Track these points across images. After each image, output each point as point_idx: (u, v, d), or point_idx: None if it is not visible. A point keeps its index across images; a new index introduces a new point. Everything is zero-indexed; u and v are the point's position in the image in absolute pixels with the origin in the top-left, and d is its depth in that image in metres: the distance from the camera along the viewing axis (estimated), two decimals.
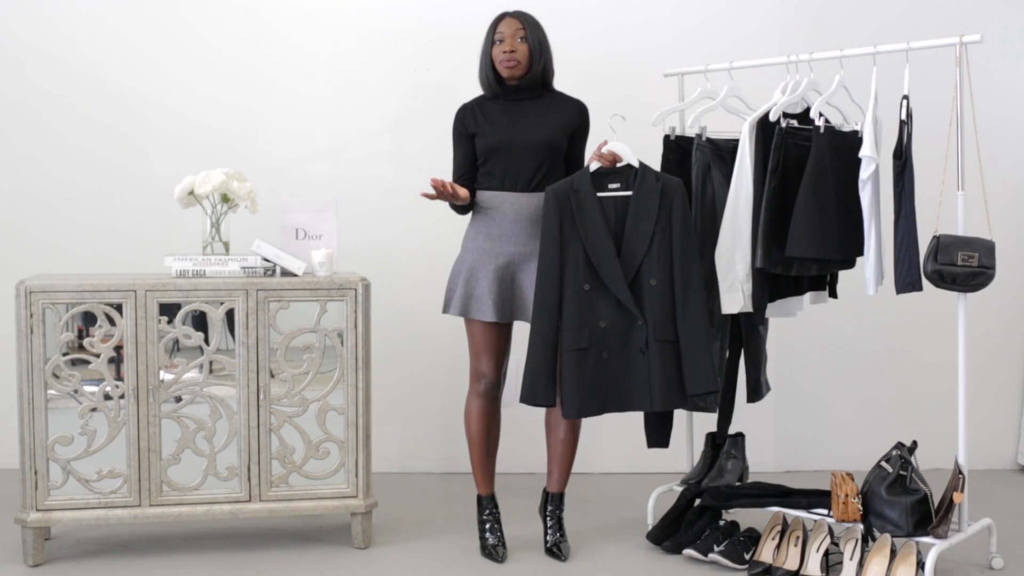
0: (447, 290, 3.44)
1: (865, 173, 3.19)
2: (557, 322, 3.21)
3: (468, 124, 3.40)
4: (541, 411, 3.52)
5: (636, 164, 3.27)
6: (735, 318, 3.53)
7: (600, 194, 3.25)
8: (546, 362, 3.21)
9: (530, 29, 3.35)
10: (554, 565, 3.37)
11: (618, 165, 3.27)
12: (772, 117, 3.29)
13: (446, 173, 3.49)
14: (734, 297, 3.36)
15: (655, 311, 3.22)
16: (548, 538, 3.46)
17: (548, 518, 3.49)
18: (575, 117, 3.42)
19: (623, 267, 3.22)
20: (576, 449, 3.49)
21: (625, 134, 3.29)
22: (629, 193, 3.26)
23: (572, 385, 3.20)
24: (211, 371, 3.38)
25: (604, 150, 3.25)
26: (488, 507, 3.50)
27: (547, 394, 3.22)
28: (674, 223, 3.24)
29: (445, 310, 3.43)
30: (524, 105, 3.39)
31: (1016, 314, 4.59)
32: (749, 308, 3.37)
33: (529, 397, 3.23)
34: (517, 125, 3.35)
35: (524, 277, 3.35)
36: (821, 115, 3.24)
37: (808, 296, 3.60)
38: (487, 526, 3.47)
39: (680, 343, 3.22)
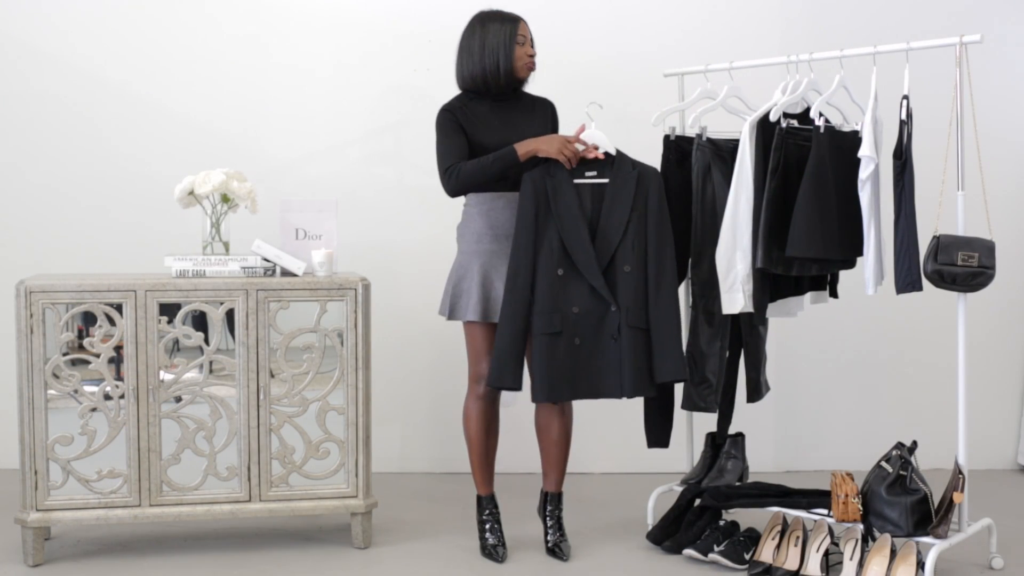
0: (452, 295, 3.39)
1: (864, 173, 3.19)
2: (528, 306, 3.22)
3: (459, 119, 3.38)
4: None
5: (613, 151, 3.27)
6: (735, 318, 3.52)
7: (576, 181, 3.25)
8: (514, 345, 3.21)
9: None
10: (554, 565, 3.37)
11: (591, 156, 3.27)
12: (772, 117, 3.29)
13: None
14: (735, 297, 3.36)
15: (628, 298, 3.22)
16: (549, 538, 3.46)
17: (548, 518, 3.49)
18: (550, 114, 3.47)
19: (597, 253, 3.22)
20: (570, 448, 3.49)
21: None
22: (605, 180, 3.26)
23: (542, 369, 3.21)
24: (211, 371, 3.38)
25: (582, 136, 3.26)
26: (488, 507, 3.50)
27: (515, 377, 3.23)
28: (650, 211, 3.25)
29: (453, 316, 3.38)
30: (508, 106, 3.40)
31: (1016, 314, 4.59)
32: (750, 308, 3.37)
33: (496, 380, 3.24)
34: (508, 126, 3.36)
35: None
36: (821, 115, 3.24)
37: (809, 296, 3.60)
38: (487, 526, 3.47)
39: (651, 330, 3.22)
